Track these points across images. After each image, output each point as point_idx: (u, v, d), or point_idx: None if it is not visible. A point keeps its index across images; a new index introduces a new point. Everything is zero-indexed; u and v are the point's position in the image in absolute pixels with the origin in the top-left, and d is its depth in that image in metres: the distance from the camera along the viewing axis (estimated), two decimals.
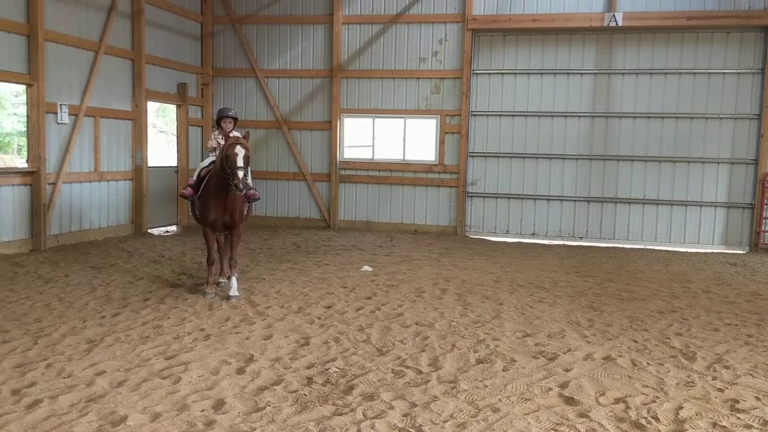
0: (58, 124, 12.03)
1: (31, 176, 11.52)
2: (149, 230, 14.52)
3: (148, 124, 15.57)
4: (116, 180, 13.71)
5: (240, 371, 5.64)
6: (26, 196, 11.48)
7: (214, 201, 8.26)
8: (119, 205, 13.83)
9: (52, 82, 11.76)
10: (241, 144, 7.88)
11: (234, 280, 8.48)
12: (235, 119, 8.78)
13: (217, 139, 8.76)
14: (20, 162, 16.75)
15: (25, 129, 11.84)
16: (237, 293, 8.33)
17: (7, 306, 7.67)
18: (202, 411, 4.76)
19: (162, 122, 33.79)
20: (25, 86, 11.50)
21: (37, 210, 11.56)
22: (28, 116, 11.58)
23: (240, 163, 7.80)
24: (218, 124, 8.74)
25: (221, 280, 9.16)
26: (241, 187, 7.76)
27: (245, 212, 8.79)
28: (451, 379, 5.54)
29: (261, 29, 16.38)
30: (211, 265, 8.60)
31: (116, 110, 13.60)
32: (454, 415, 4.77)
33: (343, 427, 4.52)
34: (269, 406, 4.86)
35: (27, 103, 11.57)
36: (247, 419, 4.62)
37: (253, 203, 8.98)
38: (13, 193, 11.21)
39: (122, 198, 13.91)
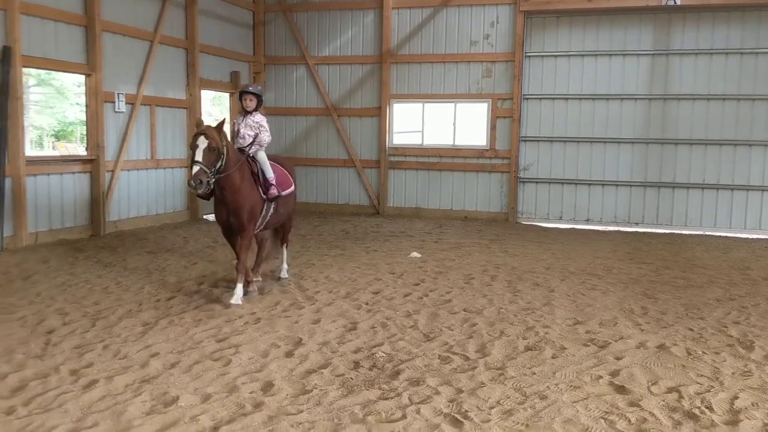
0: (116, 112, 12.36)
1: (91, 164, 11.88)
2: (204, 216, 14.81)
3: (205, 112, 15.82)
4: (172, 167, 14.02)
5: (288, 354, 5.71)
6: (86, 184, 11.84)
7: (216, 199, 7.45)
8: (175, 192, 14.15)
9: (110, 72, 12.07)
10: (205, 134, 6.91)
11: (239, 288, 7.40)
12: (258, 96, 7.80)
13: (237, 123, 7.95)
14: (82, 150, 17.27)
15: (85, 118, 12.19)
16: (238, 302, 7.31)
17: (68, 289, 7.93)
18: (251, 393, 4.84)
19: (217, 110, 34.34)
20: (84, 76, 11.83)
21: (97, 197, 11.92)
22: (87, 105, 11.93)
23: (198, 156, 6.83)
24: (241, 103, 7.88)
25: (257, 278, 8.25)
26: (193, 184, 6.77)
27: (267, 214, 7.76)
28: (498, 365, 5.49)
29: (311, 16, 16.45)
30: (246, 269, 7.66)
31: (171, 99, 13.88)
32: (501, 402, 4.73)
33: (389, 411, 4.53)
34: (316, 389, 4.91)
35: (86, 93, 11.92)
36: (294, 401, 4.68)
37: (279, 206, 7.93)
38: (74, 181, 11.58)
39: (178, 185, 14.22)
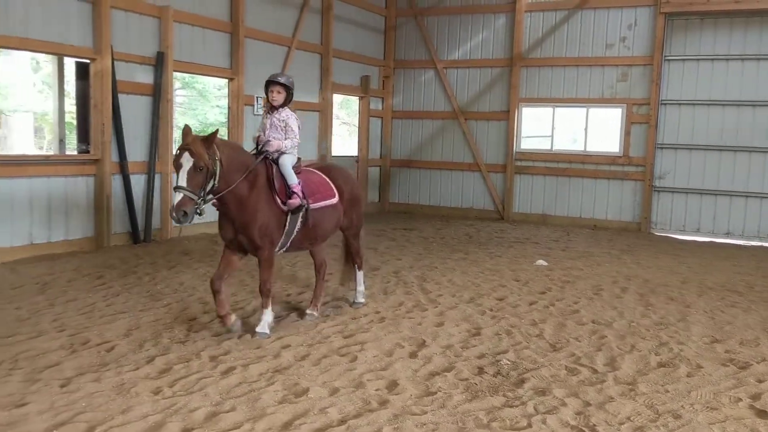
0: (255, 115, 12.99)
1: None
2: None
3: (333, 115, 16.31)
4: None
5: (412, 355, 5.79)
6: None
7: (219, 214, 6.23)
8: None
9: (250, 76, 12.71)
10: (189, 150, 5.54)
11: (267, 314, 6.24)
12: (286, 87, 6.41)
13: (262, 122, 6.65)
14: None
15: (226, 120, 12.91)
16: (265, 330, 6.18)
17: (208, 280, 8.43)
18: (377, 390, 4.96)
19: (344, 114, 35.27)
20: (227, 80, 12.55)
21: None
22: (229, 108, 12.64)
23: (181, 179, 5.51)
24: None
25: (312, 312, 6.94)
26: (175, 216, 5.51)
27: (293, 230, 6.35)
28: (629, 380, 5.30)
29: (442, 20, 16.53)
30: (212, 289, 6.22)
31: (305, 102, 14.39)
32: (631, 418, 4.57)
33: (514, 419, 4.50)
34: (440, 391, 4.96)
35: (228, 96, 12.63)
36: (418, 402, 4.75)
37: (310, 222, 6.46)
38: None
39: None
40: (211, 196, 5.83)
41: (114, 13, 10.12)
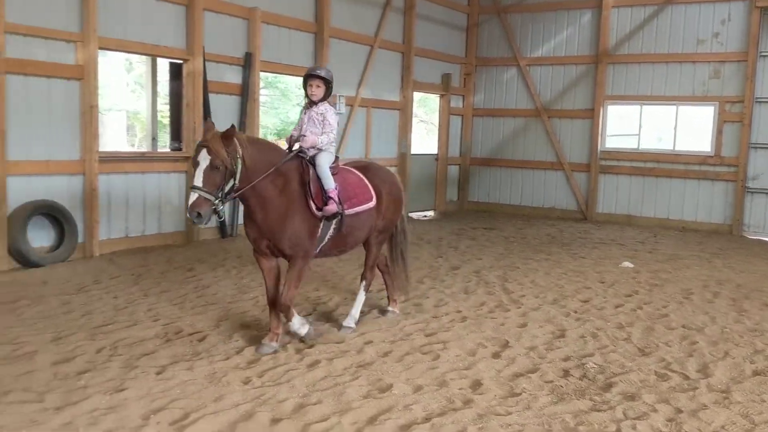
0: (336, 114, 13.15)
1: None
2: (409, 214, 15.31)
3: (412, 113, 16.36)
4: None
5: (495, 355, 5.75)
6: None
7: (244, 213, 5.79)
8: None
9: (333, 76, 12.87)
10: (207, 147, 5.16)
11: (296, 320, 5.75)
12: (326, 81, 5.97)
13: (299, 120, 6.20)
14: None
15: None
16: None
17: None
18: (460, 389, 4.95)
19: (422, 112, 35.26)
20: None
21: None
22: None
23: (197, 179, 5.14)
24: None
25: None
26: (189, 217, 5.16)
27: (325, 236, 5.82)
28: (722, 388, 5.11)
29: (525, 17, 16.29)
30: (270, 305, 5.81)
31: (386, 101, 14.51)
32: (726, 427, 4.41)
33: (602, 423, 4.41)
34: (525, 392, 4.91)
35: None
36: (503, 402, 4.72)
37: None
38: None
39: None
40: (231, 194, 5.33)
41: (205, 15, 10.47)
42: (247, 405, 4.52)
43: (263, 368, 5.24)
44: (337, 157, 6.07)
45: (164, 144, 13.21)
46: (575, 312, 7.27)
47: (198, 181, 5.13)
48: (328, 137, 5.94)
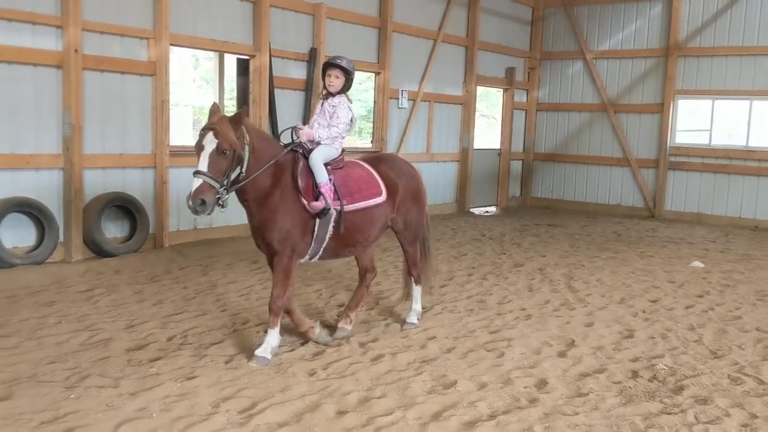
0: (399, 108, 13.20)
1: None
2: (471, 209, 15.21)
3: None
4: (444, 161, 14.61)
5: (561, 354, 5.67)
6: None
7: (246, 209, 5.40)
8: (446, 185, 14.73)
9: (396, 70, 12.92)
10: (214, 130, 4.82)
11: (272, 335, 5.28)
12: (346, 72, 5.63)
13: (316, 110, 5.87)
14: (361, 143, 18.79)
15: (367, 113, 13.21)
16: (266, 355, 5.21)
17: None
18: (525, 387, 4.90)
19: (483, 106, 34.92)
20: (373, 74, 12.82)
21: None
22: (375, 101, 12.91)
23: (201, 164, 4.81)
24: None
25: (343, 326, 6.03)
26: (192, 205, 4.79)
27: (324, 236, 5.45)
28: None
29: (593, 10, 15.94)
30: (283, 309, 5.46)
31: (448, 95, 14.44)
32: None
33: (673, 427, 4.30)
34: (592, 393, 4.83)
35: (375, 90, 12.91)
36: (569, 402, 4.65)
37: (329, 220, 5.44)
38: None
39: (449, 178, 14.78)
40: (236, 184, 5.01)
41: (271, 11, 10.62)
42: (313, 396, 4.59)
43: (327, 360, 5.31)
44: (342, 150, 5.75)
45: None
46: (643, 312, 7.09)
47: (203, 166, 4.78)
48: (332, 131, 5.60)
